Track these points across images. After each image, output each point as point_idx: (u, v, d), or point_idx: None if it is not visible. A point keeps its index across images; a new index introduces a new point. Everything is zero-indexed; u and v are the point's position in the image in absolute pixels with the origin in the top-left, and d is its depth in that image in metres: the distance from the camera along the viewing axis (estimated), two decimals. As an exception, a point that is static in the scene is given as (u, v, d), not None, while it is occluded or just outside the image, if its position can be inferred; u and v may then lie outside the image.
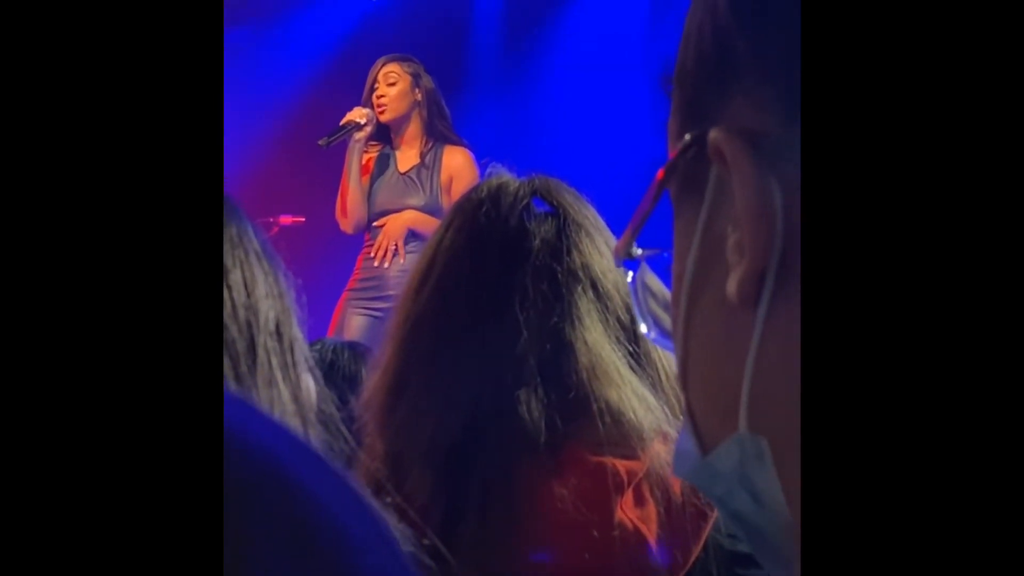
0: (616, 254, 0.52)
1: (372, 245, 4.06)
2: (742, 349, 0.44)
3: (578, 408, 1.09)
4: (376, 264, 4.01)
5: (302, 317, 0.85)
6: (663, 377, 1.14)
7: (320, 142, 4.11)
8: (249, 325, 0.78)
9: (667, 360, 1.13)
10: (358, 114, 4.10)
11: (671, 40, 0.50)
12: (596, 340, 1.11)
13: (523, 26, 5.65)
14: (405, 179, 4.08)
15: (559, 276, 1.13)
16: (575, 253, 1.15)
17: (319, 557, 0.38)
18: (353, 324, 3.99)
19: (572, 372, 1.09)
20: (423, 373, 1.13)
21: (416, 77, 4.12)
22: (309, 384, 0.84)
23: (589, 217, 1.19)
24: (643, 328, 0.52)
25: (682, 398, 0.50)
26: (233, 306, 0.78)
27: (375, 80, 4.13)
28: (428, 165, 4.08)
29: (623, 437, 1.09)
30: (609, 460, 1.08)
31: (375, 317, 3.95)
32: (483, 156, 4.07)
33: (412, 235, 3.98)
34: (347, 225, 4.17)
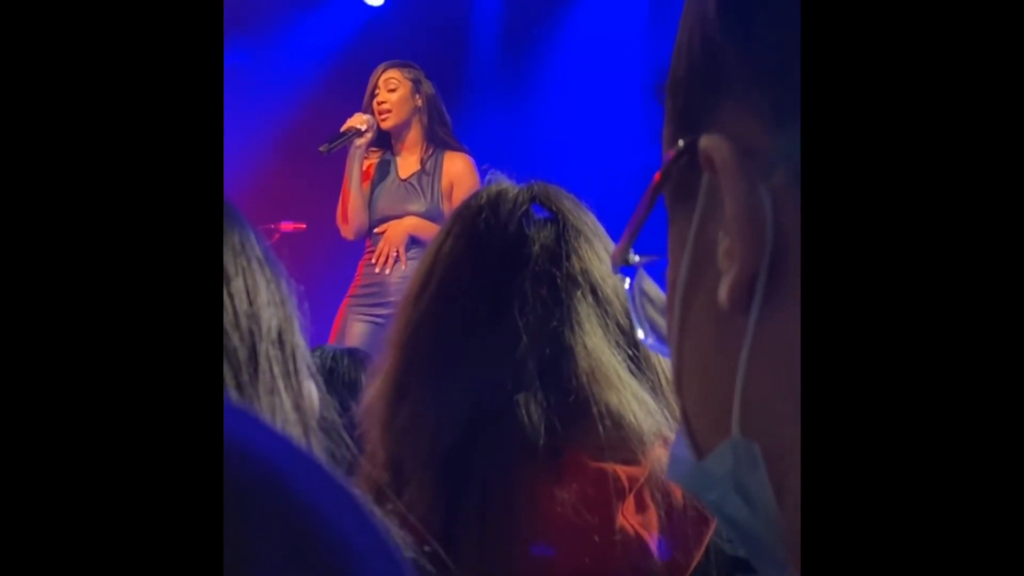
0: (613, 261, 0.52)
1: (373, 251, 4.06)
2: (734, 354, 0.45)
3: (578, 412, 1.09)
4: (377, 271, 4.01)
5: (304, 324, 0.85)
6: (663, 381, 1.14)
7: (321, 148, 4.12)
8: (251, 334, 0.78)
9: (667, 364, 1.13)
10: (359, 120, 4.11)
11: (668, 48, 0.50)
12: (596, 344, 1.11)
13: (523, 33, 5.66)
14: (406, 185, 4.08)
15: (558, 281, 1.13)
16: (574, 258, 1.15)
17: (320, 566, 0.39)
18: (354, 330, 3.99)
19: (572, 376, 1.10)
20: (423, 378, 1.13)
21: (416, 83, 4.12)
22: (311, 391, 0.83)
23: (588, 223, 1.19)
24: (640, 334, 0.53)
25: (678, 402, 0.50)
26: (235, 314, 0.78)
27: (375, 86, 4.13)
28: (429, 171, 4.08)
29: (623, 441, 1.09)
30: (610, 466, 1.08)
31: (376, 324, 3.95)
32: (483, 162, 4.07)
33: (413, 241, 3.98)
34: (348, 231, 4.17)
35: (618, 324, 1.13)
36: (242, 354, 0.77)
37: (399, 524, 0.87)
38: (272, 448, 0.41)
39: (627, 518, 1.08)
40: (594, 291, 1.14)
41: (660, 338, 0.52)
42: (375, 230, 4.09)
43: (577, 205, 1.21)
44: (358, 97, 4.22)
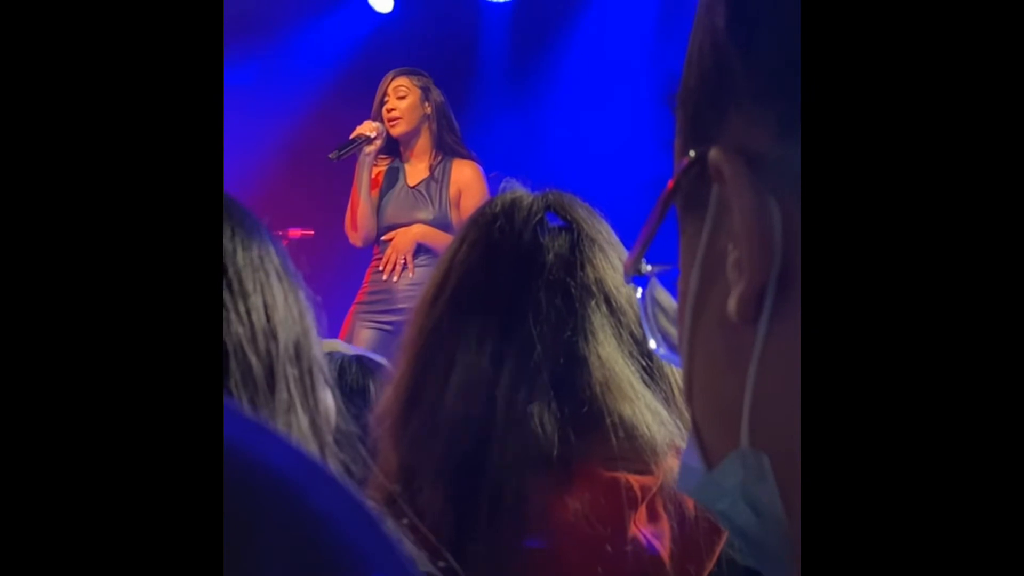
0: (625, 271, 0.53)
1: (381, 259, 4.06)
2: (743, 365, 0.45)
3: (591, 423, 1.09)
4: (385, 278, 4.01)
5: (322, 334, 0.84)
6: (676, 392, 1.14)
7: (330, 156, 4.12)
8: (269, 354, 0.77)
9: (679, 375, 1.12)
10: (368, 128, 4.11)
11: (678, 56, 0.50)
12: (609, 355, 1.11)
13: (532, 40, 5.66)
14: (414, 193, 4.08)
15: (573, 291, 1.13)
16: (589, 268, 1.15)
17: (327, 573, 0.39)
18: (362, 337, 3.98)
19: (585, 387, 1.09)
20: (436, 387, 1.13)
21: (426, 91, 4.13)
22: (328, 404, 0.83)
23: (603, 232, 1.19)
24: (652, 344, 0.53)
25: (688, 413, 0.51)
26: (253, 332, 0.77)
27: (385, 94, 4.14)
28: (437, 179, 4.08)
29: (636, 452, 1.09)
30: (623, 475, 1.08)
31: (384, 330, 3.95)
32: (492, 170, 4.07)
33: (422, 249, 3.98)
34: (356, 238, 4.18)
35: (632, 334, 1.13)
36: (259, 374, 0.76)
37: (412, 536, 0.87)
38: (284, 460, 0.41)
39: (639, 528, 1.08)
40: (608, 301, 1.13)
41: (672, 348, 0.52)
42: (383, 237, 4.09)
43: (592, 214, 1.20)
44: (367, 104, 4.22)
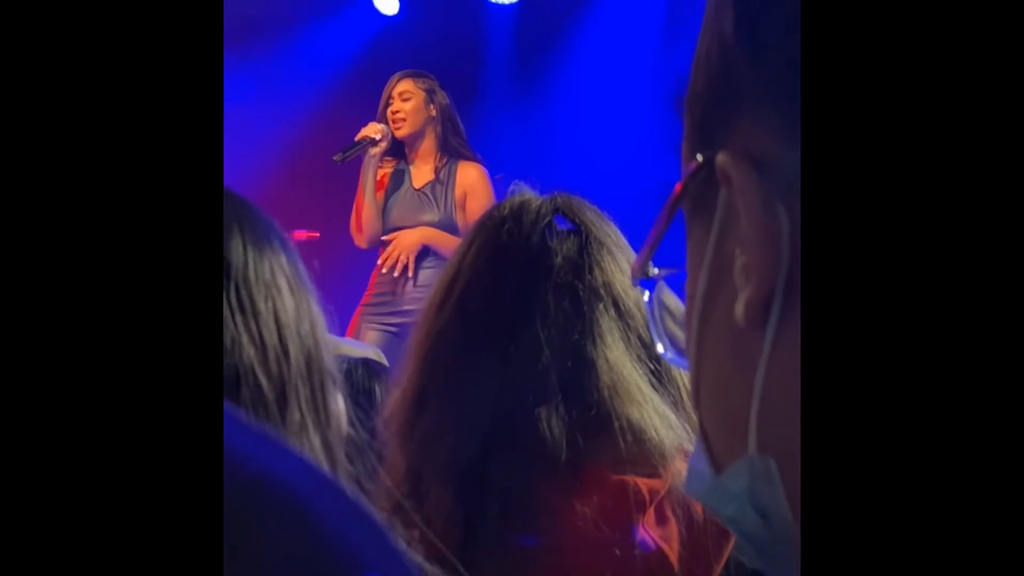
0: (633, 274, 0.52)
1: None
2: (751, 369, 0.45)
3: (599, 426, 1.09)
4: (384, 271, 4.00)
5: (334, 339, 0.83)
6: (684, 395, 1.14)
7: (335, 157, 4.12)
8: (280, 375, 0.76)
9: (687, 378, 1.12)
10: (373, 130, 4.11)
11: (685, 58, 0.50)
12: (617, 358, 1.11)
13: (537, 42, 5.66)
14: (420, 195, 4.08)
15: (581, 294, 1.13)
16: (597, 271, 1.15)
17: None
18: (367, 339, 3.98)
19: (594, 390, 1.09)
20: (444, 390, 1.13)
21: (431, 93, 4.12)
22: (339, 411, 0.82)
23: (611, 235, 1.19)
24: (660, 348, 0.53)
25: (696, 417, 0.50)
26: (264, 355, 0.76)
27: (390, 96, 4.13)
28: (442, 181, 4.08)
29: (645, 455, 1.09)
30: (631, 478, 1.08)
31: (390, 332, 3.95)
32: (496, 172, 4.07)
33: (429, 252, 3.98)
34: (362, 240, 4.17)
35: (640, 337, 1.13)
36: (270, 396, 0.75)
37: (420, 545, 0.86)
38: (288, 470, 0.41)
39: (648, 530, 1.08)
40: (616, 304, 1.13)
41: (679, 352, 0.52)
42: (386, 238, 4.09)
43: (600, 217, 1.20)
44: (372, 106, 4.22)
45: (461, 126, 4.21)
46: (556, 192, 1.22)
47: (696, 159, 0.47)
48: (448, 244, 3.80)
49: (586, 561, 1.07)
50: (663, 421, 1.09)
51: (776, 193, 0.43)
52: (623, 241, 1.19)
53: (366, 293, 4.12)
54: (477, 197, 3.98)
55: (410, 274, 3.94)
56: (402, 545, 0.47)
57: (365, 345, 2.90)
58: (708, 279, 0.47)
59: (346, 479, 0.80)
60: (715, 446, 0.49)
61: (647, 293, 0.53)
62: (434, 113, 4.13)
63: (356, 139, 4.13)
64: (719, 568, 1.10)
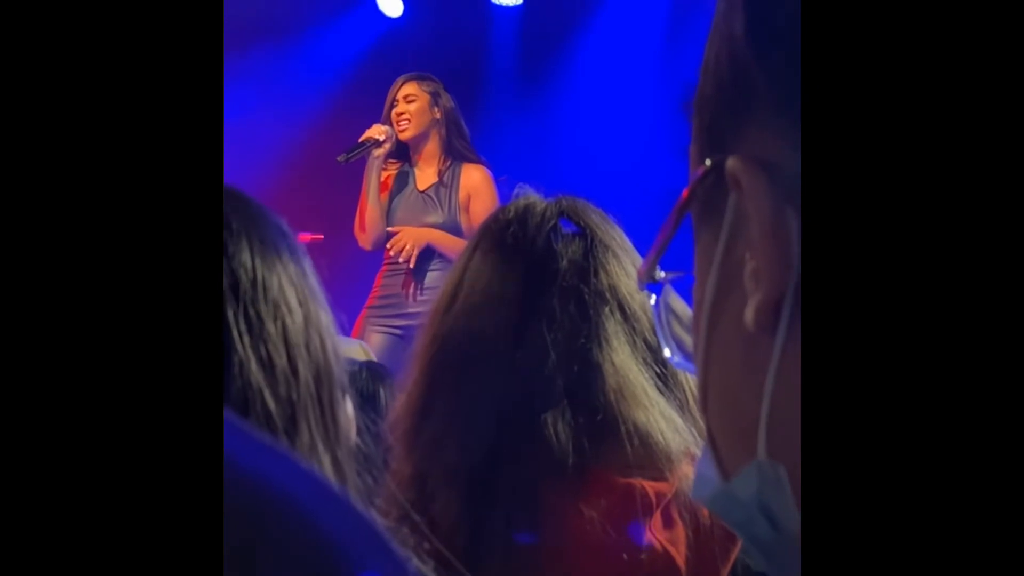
0: (639, 278, 0.52)
1: (391, 262, 4.06)
2: (761, 375, 0.44)
3: (606, 430, 1.08)
4: (392, 253, 4.00)
5: (342, 350, 0.82)
6: (690, 399, 1.14)
7: (339, 158, 4.12)
8: (290, 399, 0.74)
9: (694, 382, 1.12)
10: (377, 131, 4.11)
11: (691, 60, 0.50)
12: (623, 362, 1.11)
13: (542, 45, 5.66)
14: (424, 197, 4.08)
15: (586, 297, 1.13)
16: (602, 274, 1.14)
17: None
18: (372, 341, 3.98)
19: (600, 394, 1.09)
20: (450, 395, 1.13)
21: (435, 96, 4.13)
22: (348, 421, 0.81)
23: (616, 238, 1.19)
24: (667, 353, 0.53)
25: (703, 422, 0.50)
26: (273, 378, 0.74)
27: (394, 98, 4.14)
28: (447, 183, 4.08)
29: (651, 459, 1.08)
30: (637, 482, 1.08)
31: (394, 335, 3.95)
32: (500, 174, 4.07)
33: (433, 254, 3.98)
34: (366, 241, 4.18)
35: (646, 341, 1.13)
36: (279, 420, 0.74)
37: (425, 552, 0.86)
38: (289, 479, 0.41)
39: (655, 534, 1.08)
40: (622, 307, 1.13)
41: (686, 356, 0.52)
42: (392, 229, 4.09)
43: (605, 220, 1.20)
44: (377, 108, 4.23)
45: (465, 129, 4.21)
46: (561, 195, 1.22)
47: (705, 163, 0.47)
48: (452, 246, 3.80)
49: (593, 565, 1.07)
50: (669, 425, 1.09)
51: (786, 197, 0.43)
52: (628, 244, 1.19)
53: (371, 295, 4.12)
54: (481, 199, 3.98)
55: (411, 264, 3.94)
56: (401, 548, 0.47)
57: (350, 341, 2.90)
58: (717, 284, 0.47)
59: (356, 494, 0.79)
60: (722, 452, 0.48)
61: (653, 297, 0.53)
62: (438, 116, 4.13)
63: (360, 140, 4.13)
64: (726, 571, 1.10)
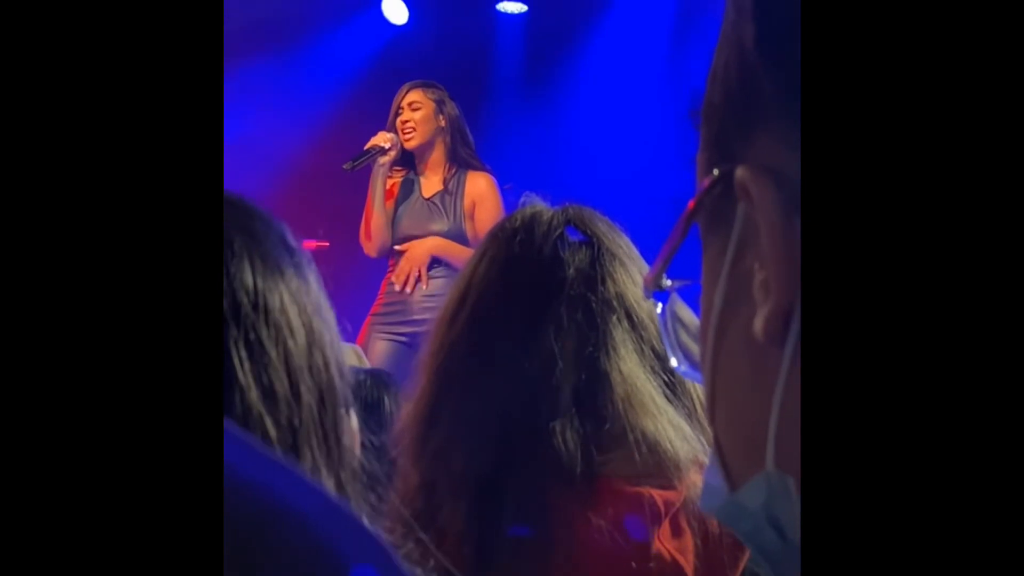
0: (646, 287, 0.52)
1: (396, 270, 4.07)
2: (769, 385, 0.44)
3: (614, 439, 1.08)
4: (398, 289, 4.01)
5: (347, 367, 0.81)
6: (698, 407, 1.13)
7: (345, 166, 4.12)
8: (291, 424, 0.73)
9: (702, 390, 1.12)
10: (382, 139, 4.12)
11: (698, 68, 0.50)
12: (631, 370, 1.11)
13: (547, 52, 5.66)
14: (429, 204, 4.09)
15: (593, 306, 1.13)
16: (609, 282, 1.14)
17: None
18: (377, 348, 3.98)
19: (608, 402, 1.09)
20: (457, 403, 1.13)
21: (440, 104, 4.13)
22: (353, 431, 0.80)
23: (623, 246, 1.19)
24: (674, 362, 0.52)
25: (710, 432, 0.50)
26: (274, 402, 0.72)
27: (400, 106, 4.14)
28: (452, 191, 4.08)
29: (659, 467, 1.08)
30: (646, 490, 1.07)
31: (399, 342, 3.95)
32: (505, 182, 4.08)
33: (438, 261, 3.98)
34: (371, 249, 4.18)
35: (653, 349, 1.13)
36: (281, 449, 0.71)
37: (432, 555, 0.85)
38: (289, 492, 0.41)
39: (663, 543, 1.07)
40: (629, 316, 1.13)
41: (693, 365, 0.52)
42: (396, 247, 4.09)
43: (612, 228, 1.20)
44: (382, 116, 4.23)
45: (470, 136, 4.21)
46: (567, 203, 1.22)
47: (713, 174, 0.47)
48: (458, 254, 3.80)
49: (601, 573, 1.07)
50: (678, 433, 1.09)
51: (796, 208, 0.43)
52: (635, 252, 1.19)
53: (376, 303, 4.12)
54: (486, 207, 3.98)
55: (424, 286, 3.94)
56: (411, 565, 0.47)
57: (345, 345, 2.89)
58: (725, 294, 0.47)
59: (358, 507, 0.78)
60: (730, 462, 0.48)
61: (660, 305, 0.53)
62: (443, 124, 4.14)
63: (365, 148, 4.14)
64: (734, 581, 1.10)
